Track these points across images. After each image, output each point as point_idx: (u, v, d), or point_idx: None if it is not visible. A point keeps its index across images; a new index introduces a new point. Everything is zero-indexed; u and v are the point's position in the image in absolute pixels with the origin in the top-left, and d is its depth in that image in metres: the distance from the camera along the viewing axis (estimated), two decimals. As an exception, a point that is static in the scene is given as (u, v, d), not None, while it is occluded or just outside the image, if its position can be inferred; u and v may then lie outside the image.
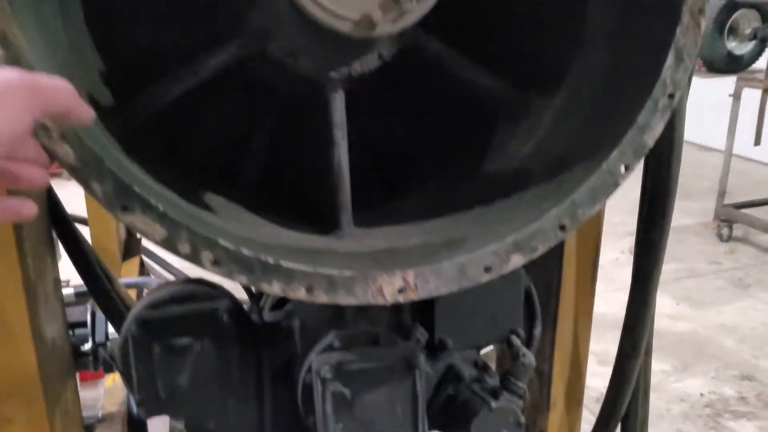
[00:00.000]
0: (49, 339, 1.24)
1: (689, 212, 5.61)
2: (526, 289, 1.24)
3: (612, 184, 0.85)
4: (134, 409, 1.16)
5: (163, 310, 1.03)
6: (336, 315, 1.06)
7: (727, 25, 7.41)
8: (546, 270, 1.43)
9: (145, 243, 2.89)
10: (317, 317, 1.07)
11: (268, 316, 1.12)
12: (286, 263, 0.75)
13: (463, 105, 1.16)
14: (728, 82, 5.20)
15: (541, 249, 0.84)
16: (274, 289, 0.75)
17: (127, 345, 1.01)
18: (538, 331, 1.28)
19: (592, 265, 1.40)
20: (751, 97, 4.88)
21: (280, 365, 1.09)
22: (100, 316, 1.58)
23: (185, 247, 0.72)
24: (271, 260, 0.75)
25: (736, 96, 4.94)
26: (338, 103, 1.01)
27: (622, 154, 0.84)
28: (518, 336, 1.15)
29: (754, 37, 7.47)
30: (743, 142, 5.15)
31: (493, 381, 1.07)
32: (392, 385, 0.98)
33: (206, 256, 0.73)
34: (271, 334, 1.09)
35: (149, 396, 1.02)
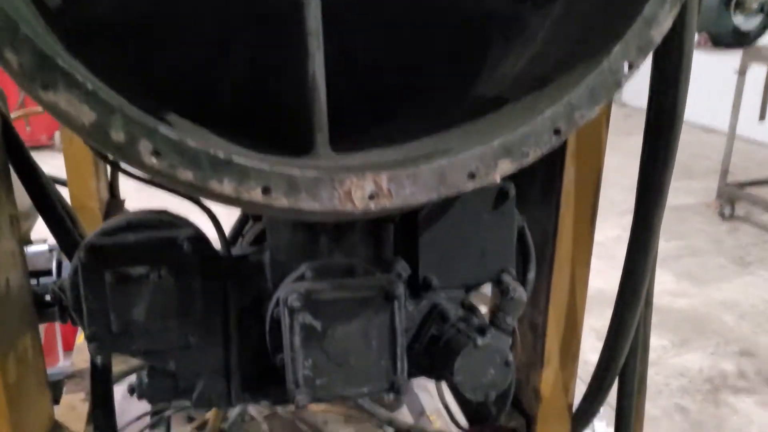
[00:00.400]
0: (3, 282, 1.15)
1: (691, 191, 5.52)
2: (520, 230, 1.15)
3: (613, 84, 0.75)
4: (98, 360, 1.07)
5: (117, 237, 0.93)
6: (309, 246, 0.97)
7: (734, -1, 7.24)
8: (541, 213, 1.33)
9: (129, 204, 2.79)
10: (289, 249, 0.98)
11: (237, 250, 1.03)
12: (239, 159, 0.65)
13: (453, 24, 1.06)
14: (734, 57, 5.08)
15: (533, 155, 0.74)
16: (225, 188, 0.65)
17: (77, 275, 0.92)
18: (531, 275, 1.18)
19: (591, 210, 1.30)
20: (757, 74, 4.77)
21: (249, 301, 0.99)
22: (66, 264, 1.49)
23: (119, 135, 0.62)
24: (221, 154, 0.65)
25: (742, 72, 4.83)
26: (313, 9, 0.91)
27: (626, 50, 0.74)
28: (510, 274, 1.06)
29: (761, 10, 7.29)
30: (747, 121, 5.04)
31: (480, 321, 0.98)
32: (368, 317, 0.89)
33: (145, 146, 0.63)
34: (239, 268, 0.99)
35: (101, 330, 0.93)
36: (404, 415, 2.36)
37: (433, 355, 0.97)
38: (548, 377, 1.41)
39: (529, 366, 1.44)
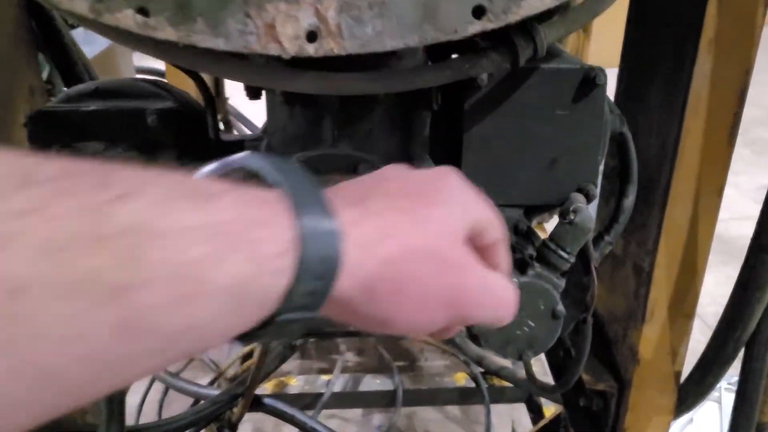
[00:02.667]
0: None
1: None
2: (617, 136, 0.85)
3: None
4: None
5: (75, 104, 0.75)
6: (309, 131, 0.74)
7: None
8: (659, 119, 1.00)
9: (232, 102, 2.68)
10: (285, 134, 0.75)
11: (228, 135, 0.81)
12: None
13: None
14: None
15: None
16: (77, 5, 0.43)
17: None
18: (629, 200, 0.88)
19: (730, 119, 0.95)
20: None
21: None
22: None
23: None
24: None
25: None
26: None
27: None
28: (587, 195, 0.77)
29: None
30: None
31: (530, 253, 0.71)
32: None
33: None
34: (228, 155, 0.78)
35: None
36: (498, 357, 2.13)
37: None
38: (651, 335, 1.10)
39: (628, 318, 1.14)
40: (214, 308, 0.33)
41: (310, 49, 0.44)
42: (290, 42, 0.44)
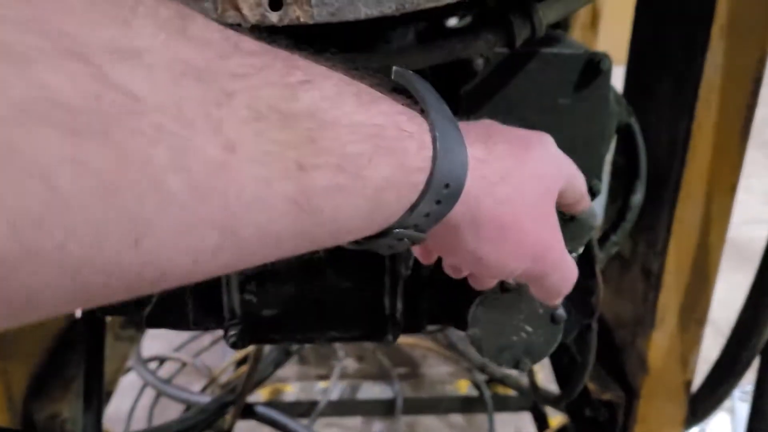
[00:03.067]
0: None
1: None
2: (624, 127, 0.79)
3: None
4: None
5: None
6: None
7: None
8: (670, 112, 0.95)
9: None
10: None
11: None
12: None
13: None
14: None
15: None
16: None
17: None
18: (637, 197, 0.83)
19: (743, 112, 0.90)
20: None
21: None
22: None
23: None
24: None
25: None
26: None
27: None
28: (591, 190, 0.71)
29: None
30: None
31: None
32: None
33: None
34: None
35: None
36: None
37: (454, 295, 0.66)
38: (660, 342, 1.04)
39: (636, 324, 1.08)
40: (357, 204, 0.35)
41: (273, 18, 0.39)
42: (251, 9, 0.39)
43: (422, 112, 0.40)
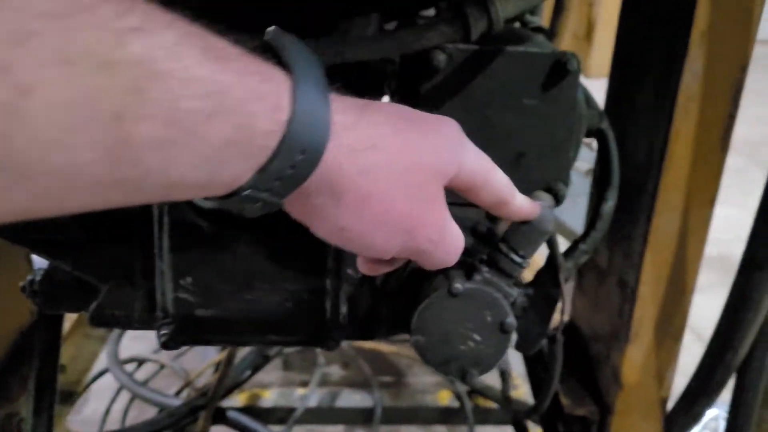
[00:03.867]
0: None
1: None
2: (596, 132, 0.76)
3: None
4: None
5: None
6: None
7: None
8: (648, 121, 0.92)
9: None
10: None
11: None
12: None
13: None
14: None
15: None
16: None
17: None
18: (609, 205, 0.79)
19: (723, 121, 0.87)
20: None
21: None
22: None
23: None
24: None
25: None
26: None
27: None
28: (556, 195, 0.68)
29: None
30: None
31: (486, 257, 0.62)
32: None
33: None
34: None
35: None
36: (488, 375, 2.03)
37: (403, 301, 0.63)
38: (635, 356, 1.01)
39: (611, 338, 1.05)
40: (193, 161, 0.34)
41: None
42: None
43: (289, 74, 0.39)
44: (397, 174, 0.45)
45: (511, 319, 0.55)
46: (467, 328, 0.55)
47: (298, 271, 0.59)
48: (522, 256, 0.56)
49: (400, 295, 0.66)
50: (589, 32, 2.19)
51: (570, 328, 1.23)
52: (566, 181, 0.69)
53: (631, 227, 0.97)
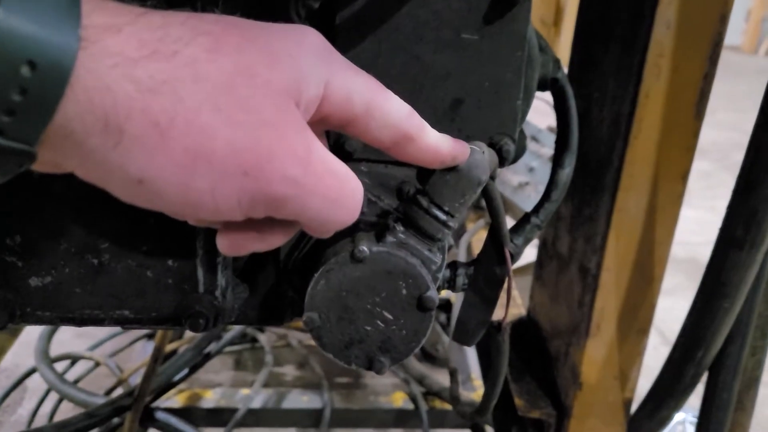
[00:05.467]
0: None
1: None
2: (551, 82, 0.65)
3: None
4: None
5: None
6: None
7: None
8: (615, 85, 0.81)
9: None
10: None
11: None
12: None
13: None
14: None
15: None
16: None
17: None
18: (565, 173, 0.68)
19: (697, 85, 0.76)
20: None
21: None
22: None
23: None
24: None
25: None
26: None
27: None
28: (500, 151, 0.56)
29: None
30: None
31: (410, 223, 0.50)
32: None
33: None
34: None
35: None
36: (447, 376, 1.91)
37: (304, 272, 0.50)
38: (596, 353, 0.90)
39: (571, 332, 0.94)
40: None
41: None
42: None
43: None
44: (213, 89, 0.31)
45: (431, 293, 0.43)
46: (375, 304, 0.43)
47: (160, 228, 0.46)
48: (447, 212, 0.44)
49: (306, 271, 0.54)
50: (557, 19, 2.09)
51: (527, 323, 1.12)
52: (513, 135, 0.57)
53: (594, 208, 0.86)
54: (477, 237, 1.69)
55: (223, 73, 0.32)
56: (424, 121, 0.40)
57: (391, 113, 0.39)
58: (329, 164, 0.37)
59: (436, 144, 0.41)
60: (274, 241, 0.40)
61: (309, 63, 0.36)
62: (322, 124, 0.39)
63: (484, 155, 0.46)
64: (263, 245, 0.39)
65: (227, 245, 0.39)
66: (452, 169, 0.43)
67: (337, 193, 0.37)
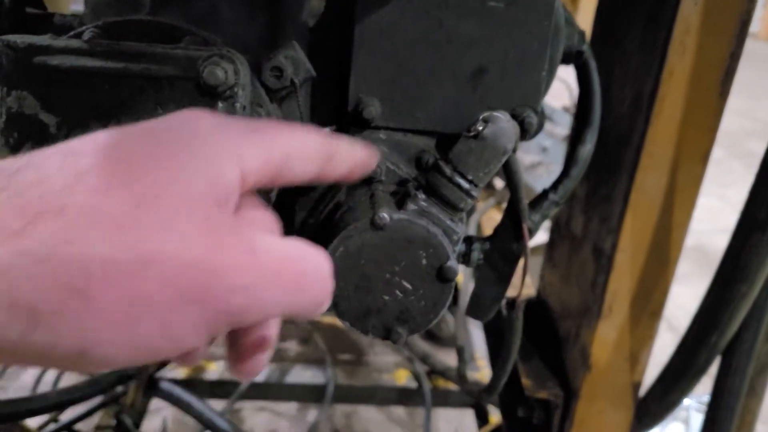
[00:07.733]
0: None
1: None
2: (575, 55, 0.63)
3: None
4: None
5: None
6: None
7: None
8: (638, 62, 0.79)
9: None
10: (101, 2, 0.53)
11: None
12: None
13: None
14: None
15: None
16: None
17: None
18: (586, 149, 0.67)
19: (726, 61, 0.74)
20: None
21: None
22: None
23: None
24: None
25: None
26: None
27: None
28: (523, 124, 0.55)
29: None
30: None
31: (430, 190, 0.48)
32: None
33: None
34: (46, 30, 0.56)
35: None
36: (451, 356, 1.91)
37: (322, 239, 0.49)
38: (607, 335, 0.89)
39: (582, 313, 0.93)
40: None
41: None
42: None
43: None
44: (119, 229, 0.28)
45: (452, 263, 0.42)
46: (394, 273, 0.42)
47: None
48: (470, 181, 0.43)
49: (324, 238, 0.52)
50: (575, -2, 2.06)
51: (537, 304, 1.11)
52: (536, 107, 0.56)
53: (611, 188, 0.85)
54: (487, 216, 1.68)
55: (122, 207, 0.28)
56: (332, 133, 0.38)
57: (306, 145, 0.36)
58: (279, 251, 0.33)
59: (351, 149, 0.39)
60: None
61: (214, 151, 0.32)
62: (250, 191, 0.36)
63: (509, 124, 0.44)
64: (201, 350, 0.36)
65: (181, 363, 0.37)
66: (477, 137, 0.42)
67: (299, 276, 0.33)
